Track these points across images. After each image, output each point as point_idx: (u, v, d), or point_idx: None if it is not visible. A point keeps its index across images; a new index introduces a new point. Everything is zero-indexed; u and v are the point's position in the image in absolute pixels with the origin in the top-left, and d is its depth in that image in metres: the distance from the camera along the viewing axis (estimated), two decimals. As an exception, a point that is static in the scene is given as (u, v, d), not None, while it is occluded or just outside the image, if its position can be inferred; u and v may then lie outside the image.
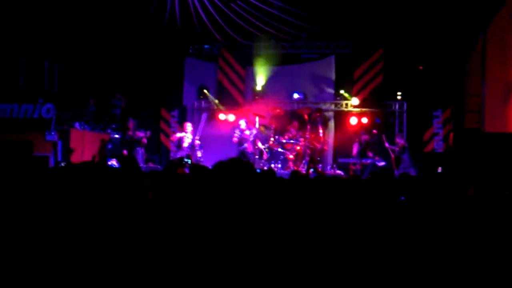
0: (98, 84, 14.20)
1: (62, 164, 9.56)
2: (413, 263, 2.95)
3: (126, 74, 14.68)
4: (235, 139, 13.19)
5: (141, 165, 12.62)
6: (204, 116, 14.11)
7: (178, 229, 2.84)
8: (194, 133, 13.54)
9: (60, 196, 3.54)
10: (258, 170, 11.66)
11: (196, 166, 4.72)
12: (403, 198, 3.92)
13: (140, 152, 13.24)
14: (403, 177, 4.43)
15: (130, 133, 13.35)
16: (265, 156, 13.24)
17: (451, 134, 11.10)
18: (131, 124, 13.43)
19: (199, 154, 13.13)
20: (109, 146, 13.17)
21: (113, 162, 10.52)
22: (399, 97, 14.29)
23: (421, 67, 13.88)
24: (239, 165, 3.04)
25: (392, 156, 13.02)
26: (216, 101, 14.88)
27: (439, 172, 9.02)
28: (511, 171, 8.62)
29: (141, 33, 13.82)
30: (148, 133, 13.39)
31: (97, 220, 3.01)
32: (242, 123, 13.22)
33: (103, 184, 3.20)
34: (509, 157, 8.91)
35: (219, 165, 3.06)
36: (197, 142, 13.18)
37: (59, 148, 11.72)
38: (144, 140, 13.24)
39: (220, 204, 2.91)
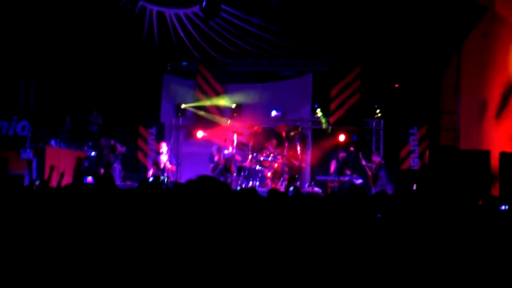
0: (75, 101, 14.10)
1: (37, 183, 9.40)
2: (389, 279, 2.96)
3: (103, 91, 14.60)
4: (213, 154, 13.25)
5: (118, 182, 12.51)
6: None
7: (152, 248, 2.81)
8: (170, 152, 13.51)
9: (37, 215, 3.49)
10: (238, 188, 11.68)
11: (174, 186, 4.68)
12: (379, 215, 3.95)
13: (117, 169, 13.12)
14: (379, 195, 4.46)
15: (105, 151, 13.20)
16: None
17: (427, 152, 11.24)
18: (102, 143, 13.27)
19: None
20: (86, 164, 13.02)
21: (90, 180, 10.41)
22: (378, 115, 14.45)
23: (397, 85, 14.09)
24: (211, 184, 3.02)
25: (369, 173, 13.12)
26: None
27: (415, 189, 9.11)
28: (484, 187, 8.76)
29: (119, 49, 13.78)
30: (124, 148, 13.26)
31: (73, 238, 2.96)
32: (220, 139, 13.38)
33: (79, 202, 3.16)
34: (482, 174, 9.05)
35: (190, 184, 3.02)
36: (168, 165, 13.06)
37: (34, 166, 11.55)
38: (119, 148, 13.07)
39: (197, 223, 2.89)
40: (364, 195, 4.08)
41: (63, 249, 2.89)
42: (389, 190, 11.56)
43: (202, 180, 2.78)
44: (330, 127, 14.48)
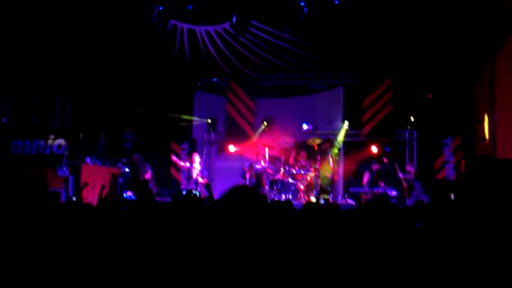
0: (109, 119, 14.33)
1: (74, 199, 9.57)
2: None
3: (136, 108, 14.81)
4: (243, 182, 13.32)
5: None
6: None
7: (188, 260, 2.81)
8: (202, 164, 13.64)
9: (74, 230, 3.54)
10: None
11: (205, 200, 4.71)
12: (419, 225, 3.89)
13: (150, 185, 13.26)
14: (417, 205, 4.39)
15: (139, 168, 13.35)
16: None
17: (463, 162, 11.00)
18: (135, 159, 13.44)
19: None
20: (120, 180, 13.19)
21: (129, 194, 10.51)
22: (410, 126, 14.28)
23: (430, 95, 13.90)
24: (250, 193, 3.02)
25: (405, 185, 12.94)
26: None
27: (452, 199, 8.93)
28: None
29: (151, 67, 13.99)
30: (148, 167, 13.42)
31: (108, 253, 3.00)
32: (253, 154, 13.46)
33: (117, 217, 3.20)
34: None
35: (226, 196, 3.03)
36: (200, 180, 13.19)
37: (70, 183, 11.75)
38: (147, 176, 13.30)
39: (234, 236, 2.89)
40: (391, 204, 4.03)
41: (98, 263, 2.93)
42: (425, 201, 11.39)
43: (238, 190, 2.78)
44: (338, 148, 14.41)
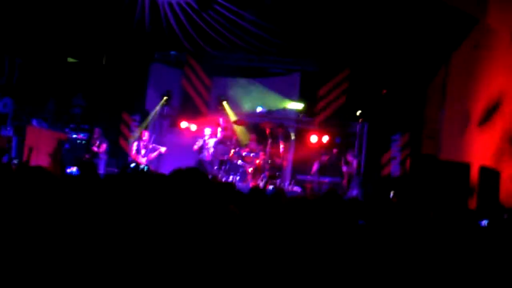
0: (60, 82, 13.91)
1: (15, 162, 9.29)
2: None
3: (89, 74, 14.43)
4: (195, 147, 13.27)
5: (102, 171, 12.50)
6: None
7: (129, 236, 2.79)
8: (152, 139, 13.48)
9: (13, 198, 3.44)
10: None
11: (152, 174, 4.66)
12: (361, 222, 3.97)
13: (103, 160, 13.03)
14: (353, 202, 4.48)
15: (95, 148, 13.00)
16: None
17: (408, 159, 11.32)
18: (96, 133, 13.10)
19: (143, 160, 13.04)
20: (66, 146, 12.89)
21: (73, 170, 10.24)
22: (360, 119, 14.48)
23: (384, 91, 14.13)
24: (196, 175, 3.02)
25: (345, 178, 13.15)
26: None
27: (391, 197, 9.20)
28: (462, 199, 8.87)
29: (109, 34, 13.63)
30: (104, 146, 13.14)
31: (47, 226, 2.92)
32: (207, 131, 13.33)
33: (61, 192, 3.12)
34: (461, 186, 9.15)
35: (177, 173, 3.03)
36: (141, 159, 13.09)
37: (13, 144, 11.40)
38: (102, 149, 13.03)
39: (174, 213, 2.88)
40: (342, 200, 4.11)
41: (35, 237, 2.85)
42: (359, 195, 11.71)
43: (190, 171, 2.78)
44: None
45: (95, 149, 12.86)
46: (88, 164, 4.37)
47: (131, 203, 3.59)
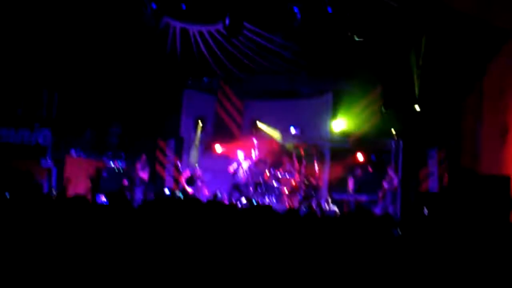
0: (96, 112, 14.25)
1: (54, 193, 9.54)
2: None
3: (124, 103, 14.73)
4: (231, 169, 13.37)
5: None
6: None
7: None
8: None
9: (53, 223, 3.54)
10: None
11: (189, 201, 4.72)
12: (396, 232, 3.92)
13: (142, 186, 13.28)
14: (383, 218, 4.43)
15: (140, 173, 13.30)
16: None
17: (446, 174, 11.10)
18: (142, 159, 13.41)
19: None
20: (104, 174, 13.15)
21: (103, 199, 10.42)
22: (395, 136, 14.32)
23: (417, 106, 13.95)
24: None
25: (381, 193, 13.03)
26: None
27: (426, 214, 9.02)
28: (503, 213, 8.63)
29: (142, 63, 13.92)
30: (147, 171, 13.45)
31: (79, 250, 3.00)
32: (240, 154, 13.45)
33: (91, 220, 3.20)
34: (502, 199, 8.91)
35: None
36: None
37: (53, 175, 11.69)
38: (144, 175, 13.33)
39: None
40: (373, 216, 4.06)
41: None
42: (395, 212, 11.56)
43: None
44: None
45: (141, 173, 13.11)
46: (117, 194, 4.47)
47: (167, 231, 3.64)
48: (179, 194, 11.64)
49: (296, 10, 10.67)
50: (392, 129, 14.03)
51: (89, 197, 10.83)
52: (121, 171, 13.47)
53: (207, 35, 12.85)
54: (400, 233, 4.07)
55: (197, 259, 2.83)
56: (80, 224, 3.52)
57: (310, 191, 13.47)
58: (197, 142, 15.14)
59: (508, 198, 9.00)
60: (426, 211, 9.09)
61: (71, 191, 10.55)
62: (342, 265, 3.25)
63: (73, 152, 12.36)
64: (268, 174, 13.48)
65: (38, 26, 11.50)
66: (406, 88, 13.92)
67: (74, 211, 3.54)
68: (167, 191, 11.93)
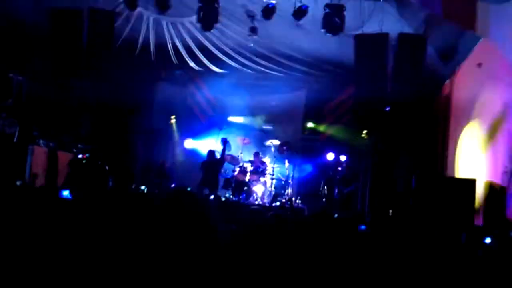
0: (66, 103, 14.00)
1: (18, 183, 9.35)
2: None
3: (95, 94, 14.47)
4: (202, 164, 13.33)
5: None
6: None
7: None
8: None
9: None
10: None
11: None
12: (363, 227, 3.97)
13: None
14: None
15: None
16: None
17: (414, 177, 11.20)
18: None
19: None
20: (73, 167, 12.89)
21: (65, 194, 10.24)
22: (365, 136, 14.46)
23: (388, 108, 14.08)
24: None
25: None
26: None
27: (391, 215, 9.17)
28: (468, 216, 8.80)
29: (113, 54, 13.67)
30: None
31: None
32: (212, 149, 13.47)
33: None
34: (467, 202, 9.06)
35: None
36: None
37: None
38: None
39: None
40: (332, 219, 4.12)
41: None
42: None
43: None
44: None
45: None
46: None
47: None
48: (144, 188, 11.54)
49: (272, 5, 10.67)
50: (364, 130, 14.20)
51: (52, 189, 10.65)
52: (91, 163, 13.24)
53: (181, 28, 12.73)
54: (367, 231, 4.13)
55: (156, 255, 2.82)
56: (42, 217, 3.48)
57: (279, 188, 13.54)
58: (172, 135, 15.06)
59: (472, 201, 9.17)
60: (390, 211, 9.24)
61: (39, 182, 10.41)
62: (306, 262, 3.28)
63: (41, 143, 12.12)
64: (238, 170, 13.48)
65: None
66: (378, 89, 14.04)
67: (38, 202, 3.51)
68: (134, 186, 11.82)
